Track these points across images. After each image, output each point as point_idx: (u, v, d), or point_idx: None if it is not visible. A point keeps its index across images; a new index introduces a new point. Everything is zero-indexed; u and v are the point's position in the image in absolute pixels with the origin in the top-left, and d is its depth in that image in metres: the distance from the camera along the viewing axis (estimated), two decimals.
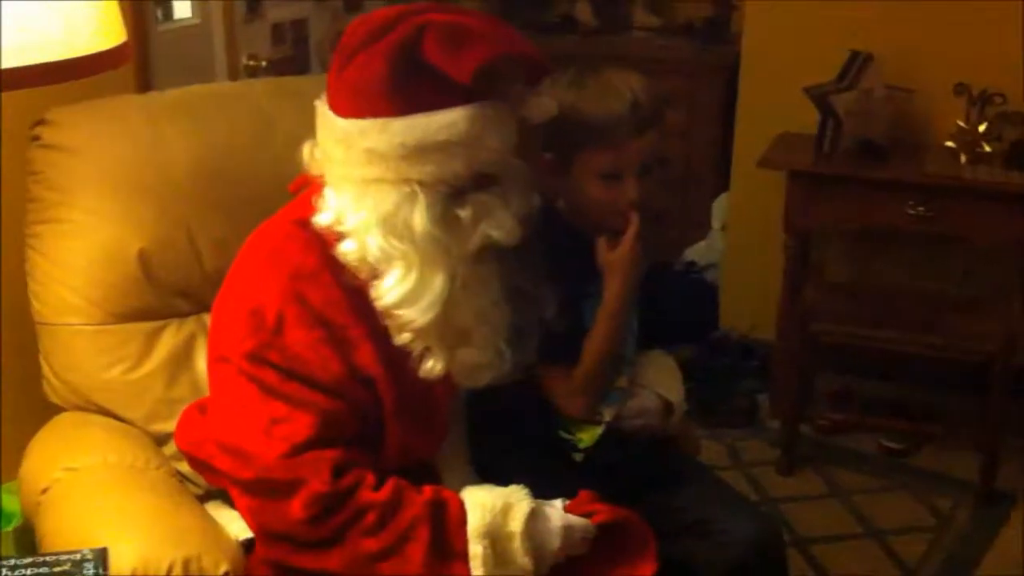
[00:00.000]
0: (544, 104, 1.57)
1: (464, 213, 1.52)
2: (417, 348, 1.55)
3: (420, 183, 1.49)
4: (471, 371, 1.60)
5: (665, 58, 4.13)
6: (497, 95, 1.50)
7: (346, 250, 1.52)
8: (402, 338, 1.54)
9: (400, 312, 1.51)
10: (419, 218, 1.49)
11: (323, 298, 1.53)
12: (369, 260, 1.51)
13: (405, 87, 1.47)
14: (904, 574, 2.67)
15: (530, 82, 1.57)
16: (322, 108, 1.56)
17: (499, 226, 1.53)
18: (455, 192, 1.51)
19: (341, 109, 1.52)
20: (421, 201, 1.49)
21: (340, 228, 1.52)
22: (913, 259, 3.36)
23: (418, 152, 1.47)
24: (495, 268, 1.58)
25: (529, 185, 1.60)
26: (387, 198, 1.50)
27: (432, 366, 1.56)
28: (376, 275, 1.52)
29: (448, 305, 1.52)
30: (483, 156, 1.50)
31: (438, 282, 1.51)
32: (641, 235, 1.76)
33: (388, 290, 1.51)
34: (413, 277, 1.50)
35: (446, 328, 1.55)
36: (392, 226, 1.49)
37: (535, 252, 1.65)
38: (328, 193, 1.55)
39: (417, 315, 1.51)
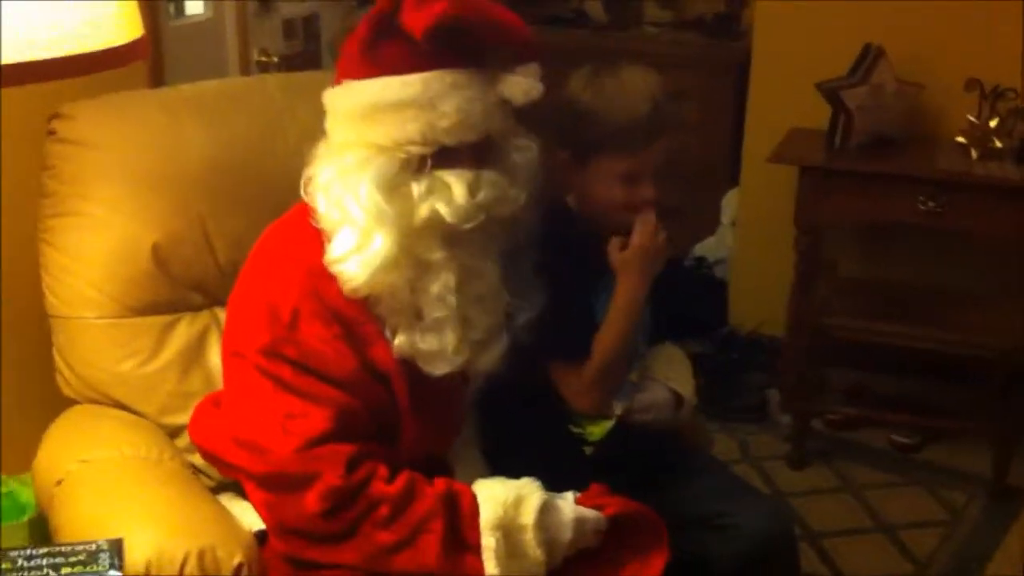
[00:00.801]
0: (523, 84, 1.53)
1: (417, 186, 1.51)
2: (391, 324, 1.56)
3: (380, 147, 1.51)
4: (429, 359, 1.58)
5: (676, 53, 4.13)
6: (472, 66, 1.51)
7: (317, 208, 1.55)
8: (378, 310, 1.55)
9: (341, 268, 1.52)
10: (367, 180, 1.50)
11: (339, 295, 1.54)
12: (324, 219, 1.53)
13: (376, 50, 1.51)
14: (915, 569, 2.67)
15: (519, 62, 1.55)
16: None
17: (449, 204, 1.51)
18: (417, 164, 1.51)
19: (336, 80, 1.57)
20: (374, 164, 1.51)
21: (314, 188, 1.56)
22: (925, 254, 3.35)
23: (374, 112, 1.50)
24: (456, 258, 1.56)
25: (521, 182, 1.59)
26: (348, 158, 1.53)
27: (397, 344, 1.56)
28: (331, 236, 1.54)
29: (396, 277, 1.52)
30: (439, 123, 1.49)
31: (379, 243, 1.50)
32: (659, 231, 1.77)
33: (335, 246, 1.52)
34: (357, 235, 1.51)
35: (403, 304, 1.55)
36: (345, 185, 1.52)
37: (524, 257, 1.66)
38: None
39: (356, 270, 1.51)
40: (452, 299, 1.56)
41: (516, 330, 1.65)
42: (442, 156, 1.52)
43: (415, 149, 1.50)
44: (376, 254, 1.50)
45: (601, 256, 1.79)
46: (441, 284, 1.55)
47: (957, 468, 3.08)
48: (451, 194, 1.51)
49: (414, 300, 1.55)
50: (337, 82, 1.56)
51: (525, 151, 1.61)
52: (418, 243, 1.53)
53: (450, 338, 1.57)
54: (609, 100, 1.74)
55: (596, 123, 1.74)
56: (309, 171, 1.58)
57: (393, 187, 1.51)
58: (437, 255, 1.54)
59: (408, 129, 1.49)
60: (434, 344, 1.57)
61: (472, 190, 1.51)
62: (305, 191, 1.58)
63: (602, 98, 1.74)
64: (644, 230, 1.76)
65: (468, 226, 1.52)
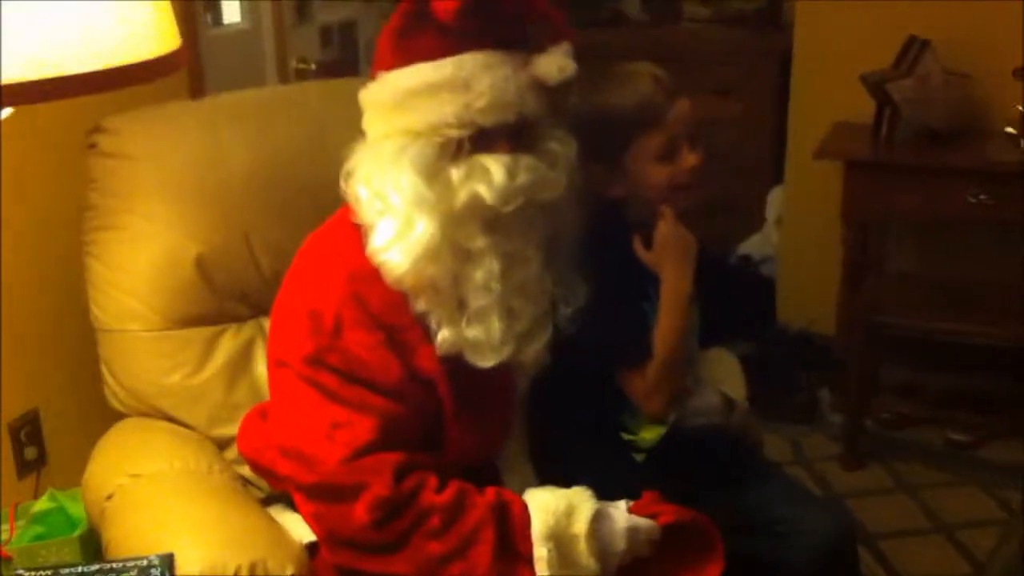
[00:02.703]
0: (557, 61, 1.52)
1: (456, 171, 1.50)
2: (434, 319, 1.54)
3: (416, 133, 1.50)
4: (477, 350, 1.56)
5: (716, 50, 4.09)
6: (504, 47, 1.50)
7: (354, 202, 1.54)
8: (418, 305, 1.53)
9: (385, 257, 1.50)
10: (406, 166, 1.49)
11: (381, 300, 1.53)
12: (365, 212, 1.52)
13: (406, 41, 1.51)
14: (974, 569, 2.62)
15: (548, 42, 1.54)
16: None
17: (490, 187, 1.49)
18: (455, 149, 1.50)
19: (371, 76, 1.57)
20: (412, 150, 1.50)
21: (351, 184, 1.55)
22: (976, 248, 3.29)
23: (409, 98, 1.49)
24: (499, 245, 1.54)
25: (562, 163, 1.57)
26: (385, 150, 1.52)
27: (441, 340, 1.54)
28: (371, 229, 1.53)
29: (439, 268, 1.50)
30: (475, 103, 1.48)
31: (421, 228, 1.49)
32: (681, 217, 1.76)
33: (376, 236, 1.51)
34: (398, 223, 1.49)
35: (446, 296, 1.53)
36: (385, 176, 1.51)
37: (565, 249, 1.64)
38: None
39: (400, 258, 1.49)
40: (496, 286, 1.54)
41: (560, 323, 1.63)
42: (479, 140, 1.50)
43: (452, 132, 1.49)
44: (418, 240, 1.49)
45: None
46: (485, 271, 1.54)
47: (1015, 465, 3.01)
48: (490, 177, 1.49)
49: (457, 291, 1.54)
50: (372, 78, 1.56)
51: (563, 142, 1.60)
52: (459, 230, 1.51)
53: (495, 327, 1.55)
54: (614, 92, 1.75)
55: (610, 121, 1.73)
56: (348, 166, 1.57)
57: (432, 173, 1.50)
58: (479, 242, 1.53)
59: (444, 112, 1.48)
60: (480, 334, 1.55)
61: (511, 173, 1.50)
62: (345, 187, 1.57)
63: (607, 95, 1.75)
64: (662, 221, 1.75)
65: (508, 209, 1.50)
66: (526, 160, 1.52)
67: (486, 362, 1.56)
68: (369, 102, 1.56)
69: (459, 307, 1.54)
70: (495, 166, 1.49)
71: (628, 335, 1.74)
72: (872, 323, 2.99)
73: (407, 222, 1.49)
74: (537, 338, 1.60)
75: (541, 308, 1.60)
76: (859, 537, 2.56)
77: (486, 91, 1.47)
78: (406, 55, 1.51)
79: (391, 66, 1.52)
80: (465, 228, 1.51)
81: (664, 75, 1.75)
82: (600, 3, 4.45)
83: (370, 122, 1.57)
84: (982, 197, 2.91)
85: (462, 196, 1.49)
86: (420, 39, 1.50)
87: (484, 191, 1.49)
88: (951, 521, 2.81)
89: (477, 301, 1.54)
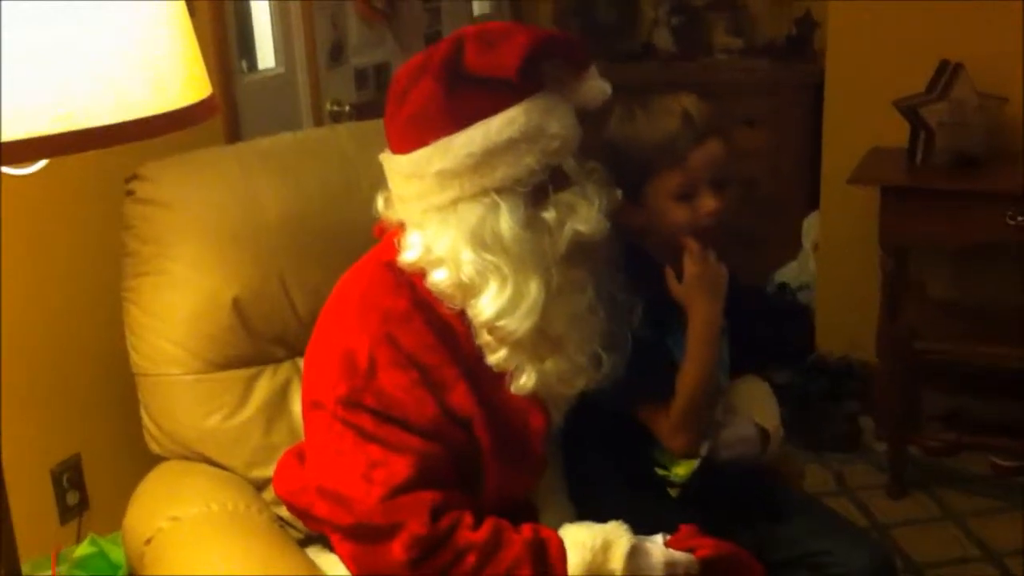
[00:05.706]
0: (597, 87, 1.56)
1: (548, 215, 1.52)
2: (510, 365, 1.55)
3: (498, 191, 1.50)
4: (564, 378, 1.58)
5: (748, 80, 4.10)
6: (547, 88, 1.51)
7: (437, 280, 1.53)
8: (496, 357, 1.54)
9: (501, 323, 1.51)
10: (505, 224, 1.49)
11: (414, 340, 1.53)
12: (464, 280, 1.51)
13: (458, 102, 1.49)
14: None
15: (578, 71, 1.55)
16: (386, 156, 1.59)
17: (585, 221, 1.52)
18: (536, 194, 1.51)
19: (404, 146, 1.54)
20: (503, 207, 1.49)
21: (429, 259, 1.53)
22: (1016, 271, 3.25)
23: (486, 158, 1.48)
24: (588, 271, 1.58)
25: (607, 181, 1.60)
26: (470, 214, 1.51)
27: (525, 382, 1.55)
28: (472, 297, 1.52)
29: (544, 312, 1.52)
30: (551, 146, 1.50)
31: (534, 287, 1.50)
32: (712, 251, 1.74)
33: (486, 305, 1.51)
34: (509, 287, 1.50)
35: (540, 338, 1.54)
36: (481, 240, 1.50)
37: (618, 257, 1.66)
38: (411, 233, 1.56)
39: (517, 324, 1.50)
40: (600, 313, 1.58)
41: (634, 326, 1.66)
42: (554, 180, 1.53)
43: (534, 179, 1.50)
44: (537, 298, 1.51)
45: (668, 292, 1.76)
46: (586, 301, 1.57)
47: None
48: (578, 211, 1.53)
49: (544, 328, 1.55)
50: (404, 150, 1.54)
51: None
52: (559, 270, 1.54)
53: (592, 352, 1.59)
54: (642, 127, 1.73)
55: (634, 152, 1.72)
56: (415, 244, 1.55)
57: (529, 223, 1.51)
58: (576, 275, 1.56)
59: (526, 162, 1.49)
60: (574, 364, 1.58)
61: (590, 201, 1.54)
62: (412, 265, 1.55)
63: (635, 128, 1.73)
64: (691, 256, 1.73)
65: (603, 235, 1.54)
66: (589, 187, 1.55)
67: (575, 388, 1.61)
68: (424, 173, 1.51)
69: (545, 342, 1.56)
70: (576, 200, 1.53)
71: (650, 371, 1.71)
72: (912, 349, 2.96)
73: (520, 283, 1.50)
74: (612, 352, 1.62)
75: (613, 322, 1.63)
76: (903, 567, 2.54)
77: (558, 132, 1.50)
78: (461, 119, 1.49)
79: (446, 132, 1.49)
80: (561, 266, 1.54)
81: (700, 112, 1.71)
82: (630, 36, 4.47)
83: (429, 191, 1.52)
84: (1020, 219, 2.87)
85: (566, 236, 1.52)
86: (469, 100, 1.49)
87: (582, 226, 1.52)
88: (999, 549, 2.76)
89: (574, 333, 1.57)
